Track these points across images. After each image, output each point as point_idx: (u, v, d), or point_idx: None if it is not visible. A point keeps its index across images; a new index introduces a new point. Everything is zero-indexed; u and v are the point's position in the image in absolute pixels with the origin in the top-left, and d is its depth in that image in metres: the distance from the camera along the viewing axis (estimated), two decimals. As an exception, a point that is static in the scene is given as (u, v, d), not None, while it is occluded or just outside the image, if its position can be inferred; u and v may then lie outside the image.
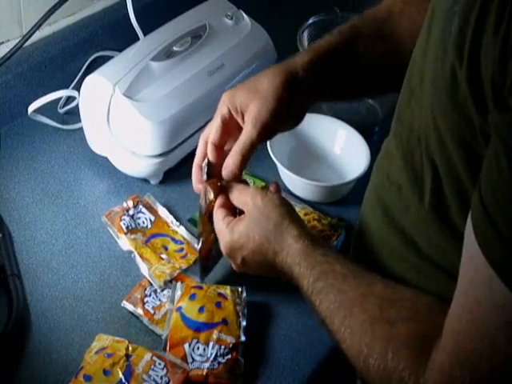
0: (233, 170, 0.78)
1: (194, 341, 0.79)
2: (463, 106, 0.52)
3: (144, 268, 0.89)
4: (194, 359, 0.79)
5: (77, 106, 1.06)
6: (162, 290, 0.87)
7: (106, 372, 0.75)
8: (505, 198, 0.47)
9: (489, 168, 0.49)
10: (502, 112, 0.47)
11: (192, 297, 0.83)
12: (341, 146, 1.09)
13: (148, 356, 0.78)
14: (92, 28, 1.15)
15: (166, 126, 0.97)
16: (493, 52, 0.47)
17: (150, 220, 0.96)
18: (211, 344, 0.79)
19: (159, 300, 0.86)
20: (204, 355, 0.79)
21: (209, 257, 0.87)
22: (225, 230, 0.78)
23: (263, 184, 1.03)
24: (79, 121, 1.04)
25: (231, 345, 0.80)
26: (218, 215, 0.79)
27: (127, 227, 0.93)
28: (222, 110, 0.80)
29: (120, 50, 1.04)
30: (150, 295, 0.86)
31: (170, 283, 0.87)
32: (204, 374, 0.78)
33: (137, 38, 1.05)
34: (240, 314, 0.83)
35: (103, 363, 0.76)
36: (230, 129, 0.80)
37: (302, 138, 1.09)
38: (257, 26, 1.13)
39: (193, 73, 1.02)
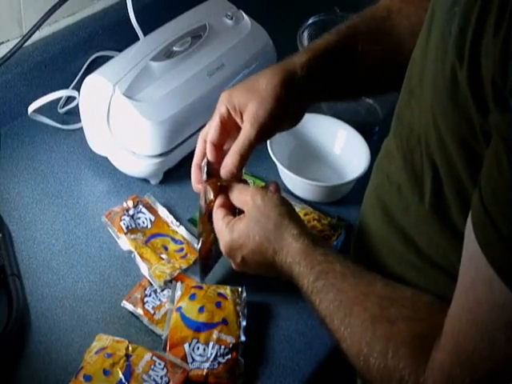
0: (231, 169, 0.78)
1: (194, 341, 0.79)
2: (463, 106, 0.52)
3: (144, 268, 0.89)
4: (194, 359, 0.79)
5: (77, 105, 1.06)
6: (162, 290, 0.87)
7: (105, 372, 0.75)
8: (505, 198, 0.47)
9: (489, 168, 0.49)
10: (503, 112, 0.47)
11: (192, 297, 0.83)
12: (341, 146, 1.09)
13: (148, 356, 0.78)
14: (92, 28, 1.15)
15: (166, 126, 0.97)
16: (493, 53, 0.47)
17: (150, 220, 0.96)
18: (211, 344, 0.79)
19: (159, 300, 0.86)
20: (204, 355, 0.79)
21: (209, 257, 0.87)
22: (224, 229, 0.78)
23: (263, 184, 1.03)
24: (79, 121, 1.04)
25: (231, 345, 0.80)
26: (218, 215, 0.79)
27: (127, 227, 0.93)
28: (220, 109, 0.80)
29: (120, 50, 1.04)
30: (149, 295, 0.86)
31: (169, 283, 0.87)
32: (204, 374, 0.78)
33: (137, 38, 1.05)
34: (240, 314, 0.83)
35: (103, 363, 0.76)
36: (229, 128, 0.80)
37: (302, 138, 1.09)
38: (257, 26, 1.13)
39: (193, 73, 1.02)
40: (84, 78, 0.98)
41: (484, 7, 0.48)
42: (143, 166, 0.99)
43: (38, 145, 1.07)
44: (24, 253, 0.91)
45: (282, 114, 0.79)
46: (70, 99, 1.13)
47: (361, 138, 1.07)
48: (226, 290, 0.85)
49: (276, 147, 1.02)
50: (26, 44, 1.03)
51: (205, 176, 0.81)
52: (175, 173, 1.03)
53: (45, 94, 1.04)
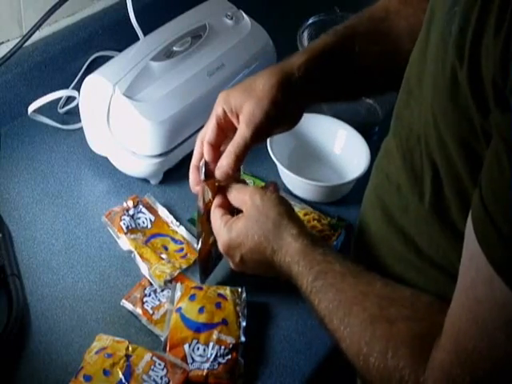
0: (227, 170, 0.78)
1: (194, 341, 0.79)
2: (464, 105, 0.52)
3: (144, 268, 0.89)
4: (193, 360, 0.79)
5: (77, 105, 1.06)
6: (162, 291, 0.87)
7: (105, 372, 0.75)
8: (505, 198, 0.47)
9: (490, 168, 0.49)
10: (503, 112, 0.47)
11: (192, 297, 0.83)
12: (341, 145, 1.09)
13: (148, 356, 0.78)
14: (92, 28, 1.15)
15: (166, 126, 0.97)
16: (494, 53, 0.47)
17: (150, 220, 0.96)
18: (211, 344, 0.79)
19: (158, 300, 0.86)
20: (204, 356, 0.79)
21: (208, 259, 0.87)
22: (223, 228, 0.78)
23: (263, 184, 1.03)
24: (79, 121, 1.04)
25: (231, 345, 0.80)
26: (216, 214, 0.79)
27: (127, 227, 0.93)
28: (217, 110, 0.80)
29: (120, 50, 1.04)
30: (149, 295, 0.86)
31: (169, 283, 0.87)
32: (204, 374, 0.78)
33: (137, 38, 1.05)
34: (240, 314, 0.83)
35: (103, 363, 0.76)
36: (226, 129, 0.80)
37: (302, 138, 1.09)
38: (257, 26, 1.13)
39: (193, 73, 1.02)
40: (84, 78, 0.98)
41: (484, 7, 0.48)
42: (143, 166, 0.99)
43: (38, 145, 1.07)
44: (24, 253, 0.91)
45: (279, 115, 0.79)
46: (70, 99, 1.13)
47: (361, 138, 1.07)
48: (226, 291, 0.85)
49: (276, 147, 1.02)
50: (26, 44, 1.03)
51: (203, 176, 0.81)
52: (175, 173, 1.03)
53: (45, 93, 1.04)
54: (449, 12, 0.53)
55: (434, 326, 0.59)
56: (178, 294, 0.85)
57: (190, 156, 0.85)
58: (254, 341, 0.84)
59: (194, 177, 0.83)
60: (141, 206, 0.96)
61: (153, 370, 0.77)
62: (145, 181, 1.03)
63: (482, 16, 0.48)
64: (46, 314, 0.84)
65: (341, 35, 0.82)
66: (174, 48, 1.02)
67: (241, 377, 0.80)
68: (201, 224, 0.83)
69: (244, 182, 0.86)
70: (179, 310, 0.82)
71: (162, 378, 0.76)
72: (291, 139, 1.06)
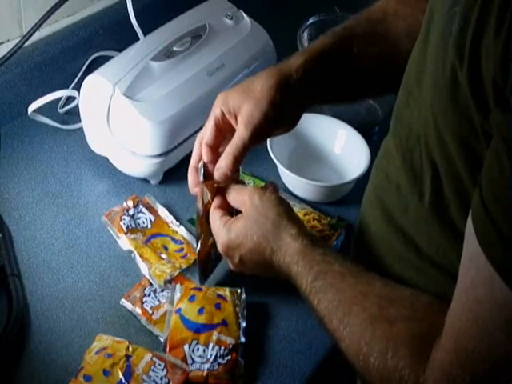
0: (225, 171, 0.78)
1: (194, 342, 0.79)
2: (464, 105, 0.52)
3: (144, 268, 0.89)
4: (193, 360, 0.79)
5: (77, 105, 1.06)
6: (162, 291, 0.87)
7: (105, 372, 0.75)
8: (505, 198, 0.47)
9: (490, 167, 0.49)
10: (503, 112, 0.47)
11: (191, 298, 0.83)
12: (341, 145, 1.09)
13: (148, 357, 0.78)
14: (92, 28, 1.15)
15: (166, 126, 0.97)
16: (494, 53, 0.47)
17: (150, 220, 0.96)
18: (211, 345, 0.79)
19: (158, 300, 0.86)
20: (204, 356, 0.79)
21: (208, 260, 0.87)
22: (222, 229, 0.78)
23: (263, 184, 1.03)
24: (79, 121, 1.04)
25: (231, 346, 0.80)
26: (215, 215, 0.79)
27: (127, 227, 0.93)
28: (215, 111, 0.80)
29: (120, 50, 1.04)
30: (149, 295, 0.86)
31: (169, 284, 0.87)
32: (204, 375, 0.78)
33: (137, 38, 1.05)
34: (239, 315, 0.83)
35: (103, 363, 0.76)
36: (224, 130, 0.80)
37: (302, 138, 1.09)
38: (257, 26, 1.13)
39: (193, 73, 1.02)
40: (84, 78, 0.98)
41: (484, 7, 0.48)
42: (143, 166, 0.99)
43: (38, 145, 1.07)
44: (24, 253, 0.91)
45: (277, 117, 0.79)
46: (70, 99, 1.13)
47: (361, 138, 1.07)
48: (226, 292, 0.85)
49: (276, 147, 1.02)
50: (26, 44, 1.03)
51: (201, 178, 0.81)
52: (175, 173, 1.03)
53: (45, 93, 1.04)
54: (449, 12, 0.53)
55: (433, 326, 0.59)
56: (178, 294, 0.85)
57: (189, 156, 0.85)
58: (254, 341, 0.84)
59: (193, 178, 0.83)
60: (141, 206, 0.96)
61: (153, 370, 0.77)
62: (145, 181, 1.03)
63: (483, 16, 0.48)
64: (46, 314, 0.84)
65: (339, 37, 0.82)
66: (174, 48, 1.02)
67: (241, 377, 0.80)
68: (200, 225, 0.83)
69: (243, 183, 0.86)
70: (179, 310, 0.82)
71: (161, 379, 0.76)
72: (291, 139, 1.06)
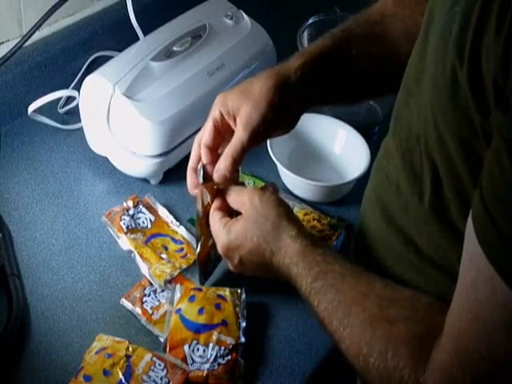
0: (224, 173, 0.78)
1: (194, 342, 0.79)
2: (464, 105, 0.52)
3: (144, 268, 0.89)
4: (193, 360, 0.79)
5: (77, 105, 1.06)
6: (162, 291, 0.87)
7: (105, 372, 0.75)
8: (506, 198, 0.47)
9: (490, 167, 0.49)
10: (504, 112, 0.47)
11: (191, 298, 0.83)
12: (341, 146, 1.09)
13: (148, 357, 0.78)
14: (92, 28, 1.15)
15: (166, 125, 0.97)
16: (494, 53, 0.47)
17: (150, 220, 0.96)
18: (211, 345, 0.79)
19: (158, 301, 0.86)
20: (204, 356, 0.79)
21: (208, 261, 0.87)
22: (221, 230, 0.78)
23: (263, 184, 1.03)
24: (79, 121, 1.04)
25: (231, 346, 0.80)
26: (215, 217, 0.79)
27: (127, 227, 0.93)
28: (214, 113, 0.80)
29: (120, 50, 1.04)
30: (149, 295, 0.86)
31: (169, 284, 0.87)
32: (204, 375, 0.78)
33: (137, 38, 1.05)
34: (239, 315, 0.83)
35: (103, 363, 0.76)
36: (223, 131, 0.80)
37: (302, 138, 1.09)
38: (257, 26, 1.13)
39: (193, 73, 1.02)
40: (84, 78, 0.98)
41: (485, 6, 0.48)
42: (143, 166, 0.99)
43: (38, 145, 1.07)
44: (24, 253, 0.91)
45: (276, 118, 0.79)
46: (70, 99, 1.13)
47: (361, 138, 1.07)
48: (226, 292, 0.85)
49: (276, 147, 1.02)
50: (26, 44, 1.03)
51: (201, 179, 0.81)
52: (175, 173, 1.03)
53: (45, 93, 1.04)
54: (448, 12, 0.53)
55: (433, 327, 0.59)
56: (178, 295, 0.85)
57: (189, 156, 0.85)
58: (254, 341, 0.84)
59: (192, 179, 0.83)
60: (141, 206, 0.96)
61: (153, 370, 0.77)
62: (145, 181, 1.03)
63: (483, 15, 0.48)
64: (46, 314, 0.84)
65: (338, 38, 0.82)
66: (174, 48, 1.02)
67: (241, 377, 0.80)
68: (200, 227, 0.83)
69: (243, 185, 0.86)
70: (179, 311, 0.82)
71: (161, 379, 0.76)
72: (291, 139, 1.06)
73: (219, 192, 0.81)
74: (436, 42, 0.56)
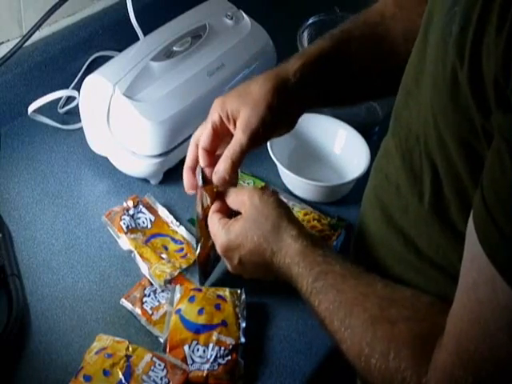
0: (223, 175, 0.78)
1: (194, 342, 0.79)
2: (464, 105, 0.52)
3: (144, 268, 0.89)
4: (193, 361, 0.78)
5: (77, 105, 1.06)
6: (162, 291, 0.87)
7: (105, 372, 0.75)
8: (507, 198, 0.47)
9: (491, 168, 0.49)
10: (505, 113, 0.47)
11: (191, 299, 0.83)
12: (341, 146, 1.09)
13: (148, 357, 0.77)
14: (92, 28, 1.15)
15: (166, 125, 0.96)
16: (495, 53, 0.47)
17: (150, 220, 0.96)
18: (211, 345, 0.79)
19: (158, 301, 0.86)
20: (204, 357, 0.79)
21: (207, 262, 0.87)
22: (221, 230, 0.77)
23: (263, 184, 1.03)
24: (79, 121, 1.04)
25: (231, 346, 0.79)
26: (214, 219, 0.79)
27: (127, 227, 0.93)
28: (213, 116, 0.80)
29: (120, 50, 1.04)
30: (149, 295, 0.86)
31: (169, 284, 0.87)
32: (204, 375, 0.78)
33: (137, 38, 1.05)
34: (239, 315, 0.83)
35: (103, 363, 0.76)
36: (222, 135, 0.80)
37: (302, 138, 1.09)
38: (257, 26, 1.13)
39: (193, 73, 1.02)
40: (84, 78, 0.98)
41: (485, 6, 0.48)
42: (143, 166, 0.99)
43: (38, 145, 1.07)
44: (24, 253, 0.91)
45: (275, 121, 0.79)
46: (70, 99, 1.13)
47: (361, 138, 1.07)
48: (225, 292, 0.85)
49: (276, 147, 1.02)
50: (26, 44, 1.03)
51: (200, 182, 0.81)
52: (175, 173, 1.03)
53: (45, 93, 1.04)
54: (448, 12, 0.53)
55: (435, 327, 0.59)
56: (178, 295, 0.84)
57: (189, 156, 0.85)
58: (254, 341, 0.84)
59: (189, 179, 0.83)
60: (141, 206, 0.96)
61: (153, 370, 0.77)
62: (145, 181, 1.03)
63: (483, 15, 0.48)
64: (46, 314, 0.84)
65: (336, 39, 0.82)
66: (174, 48, 1.02)
67: (241, 378, 0.80)
68: (200, 229, 0.83)
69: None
70: (179, 311, 0.82)
71: (161, 379, 0.76)
72: (291, 139, 1.06)
73: (218, 194, 0.81)
74: (436, 42, 0.56)
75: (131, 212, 0.95)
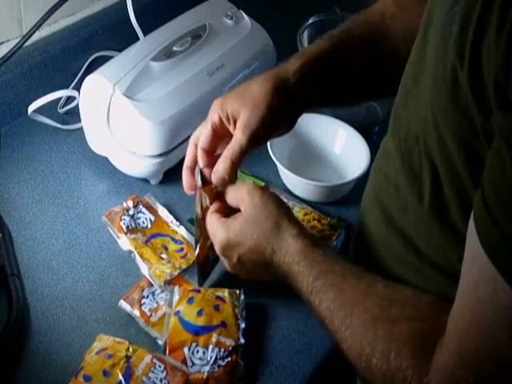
0: (222, 175, 0.78)
1: (194, 344, 0.79)
2: (464, 105, 0.52)
3: (144, 268, 0.89)
4: (193, 363, 0.78)
5: (77, 105, 1.06)
6: (162, 291, 0.87)
7: (105, 373, 0.75)
8: (508, 198, 0.47)
9: (492, 168, 0.49)
10: (505, 113, 0.47)
11: (190, 300, 0.83)
12: (341, 146, 1.09)
13: (148, 358, 0.77)
14: (92, 28, 1.15)
15: (166, 125, 0.96)
16: (495, 53, 0.47)
17: (150, 220, 0.96)
18: (210, 347, 0.79)
19: (156, 302, 0.85)
20: (204, 358, 0.78)
21: (206, 263, 0.87)
22: (220, 229, 0.77)
23: (263, 184, 1.03)
24: (79, 121, 1.04)
25: (231, 347, 0.79)
26: (212, 218, 0.79)
27: (127, 227, 0.93)
28: (212, 117, 0.79)
29: (120, 50, 1.04)
30: (147, 297, 0.86)
31: (169, 285, 0.87)
32: (204, 377, 0.77)
33: (137, 38, 1.05)
34: (239, 316, 0.83)
35: (103, 364, 0.76)
36: (221, 135, 0.80)
37: (302, 138, 1.09)
38: (257, 26, 1.13)
39: (193, 73, 1.01)
40: (84, 78, 0.98)
41: (486, 6, 0.48)
42: (143, 166, 0.99)
43: (38, 145, 1.07)
44: (24, 253, 0.91)
45: (275, 121, 0.79)
46: (70, 99, 1.13)
47: (361, 138, 1.07)
48: (224, 293, 0.84)
49: (276, 147, 1.02)
50: (26, 44, 1.03)
51: (200, 182, 0.81)
52: (175, 173, 1.03)
53: (45, 93, 1.04)
54: (448, 12, 0.53)
55: (436, 326, 0.59)
56: (176, 297, 0.84)
57: (189, 156, 0.85)
58: (254, 342, 0.84)
59: (188, 179, 0.83)
60: (141, 206, 0.96)
61: (153, 371, 0.76)
62: (145, 181, 1.03)
63: (484, 15, 0.48)
64: (46, 314, 0.84)
65: (336, 39, 0.82)
66: (174, 48, 1.02)
67: (241, 379, 0.79)
68: (199, 229, 0.83)
69: None
70: (178, 313, 0.82)
71: (161, 381, 0.76)
72: (291, 139, 1.06)
73: (218, 195, 0.81)
74: (436, 42, 0.56)
75: (131, 212, 0.95)
